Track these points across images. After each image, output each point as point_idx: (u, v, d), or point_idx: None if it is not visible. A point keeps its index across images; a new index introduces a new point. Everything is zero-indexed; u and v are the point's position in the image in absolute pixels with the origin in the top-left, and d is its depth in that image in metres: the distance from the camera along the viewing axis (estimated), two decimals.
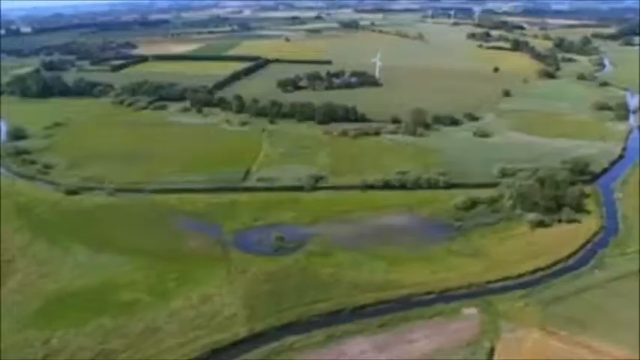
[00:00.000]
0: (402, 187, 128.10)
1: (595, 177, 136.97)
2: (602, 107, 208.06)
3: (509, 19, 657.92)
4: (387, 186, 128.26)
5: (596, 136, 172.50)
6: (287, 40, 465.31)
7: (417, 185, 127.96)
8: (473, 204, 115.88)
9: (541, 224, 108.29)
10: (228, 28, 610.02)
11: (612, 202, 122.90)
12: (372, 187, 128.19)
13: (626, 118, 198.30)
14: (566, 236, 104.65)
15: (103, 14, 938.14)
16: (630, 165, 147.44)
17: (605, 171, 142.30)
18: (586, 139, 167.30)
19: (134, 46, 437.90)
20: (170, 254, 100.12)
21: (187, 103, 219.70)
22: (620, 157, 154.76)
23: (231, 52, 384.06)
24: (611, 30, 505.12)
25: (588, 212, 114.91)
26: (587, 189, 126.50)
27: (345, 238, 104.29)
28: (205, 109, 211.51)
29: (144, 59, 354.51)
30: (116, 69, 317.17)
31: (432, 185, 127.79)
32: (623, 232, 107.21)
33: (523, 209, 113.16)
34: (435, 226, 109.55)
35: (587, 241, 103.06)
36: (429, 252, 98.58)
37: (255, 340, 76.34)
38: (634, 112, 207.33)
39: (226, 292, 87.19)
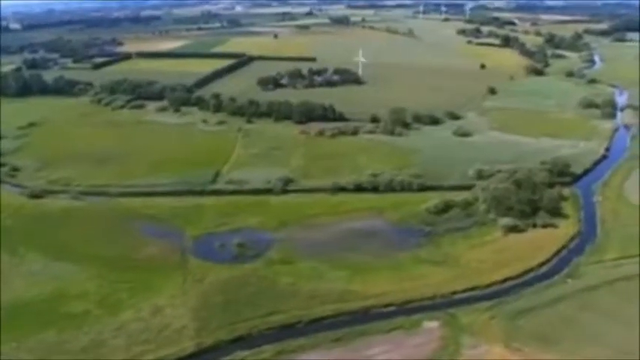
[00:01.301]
0: (375, 189, 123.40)
1: (575, 178, 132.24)
2: (589, 105, 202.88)
3: (502, 15, 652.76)
4: (359, 188, 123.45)
5: (581, 135, 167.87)
6: (275, 36, 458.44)
7: (389, 188, 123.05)
8: (445, 208, 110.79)
9: (515, 229, 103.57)
10: (217, 25, 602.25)
11: (591, 205, 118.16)
12: (343, 189, 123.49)
13: (613, 116, 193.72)
14: (540, 242, 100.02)
15: (93, 10, 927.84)
16: (614, 166, 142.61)
17: (586, 172, 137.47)
18: (570, 139, 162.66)
19: (120, 43, 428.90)
20: (126, 262, 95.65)
21: (166, 102, 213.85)
22: (604, 157, 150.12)
23: (218, 49, 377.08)
24: (603, 26, 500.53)
25: (565, 216, 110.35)
26: (566, 191, 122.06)
27: (309, 245, 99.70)
28: (183, 109, 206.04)
29: (127, 57, 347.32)
30: (98, 67, 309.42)
31: (405, 188, 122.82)
32: (600, 238, 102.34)
33: (497, 213, 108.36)
34: (405, 232, 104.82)
35: (562, 248, 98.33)
36: (396, 259, 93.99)
37: (202, 355, 72.15)
38: (621, 109, 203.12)
39: (179, 302, 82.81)
